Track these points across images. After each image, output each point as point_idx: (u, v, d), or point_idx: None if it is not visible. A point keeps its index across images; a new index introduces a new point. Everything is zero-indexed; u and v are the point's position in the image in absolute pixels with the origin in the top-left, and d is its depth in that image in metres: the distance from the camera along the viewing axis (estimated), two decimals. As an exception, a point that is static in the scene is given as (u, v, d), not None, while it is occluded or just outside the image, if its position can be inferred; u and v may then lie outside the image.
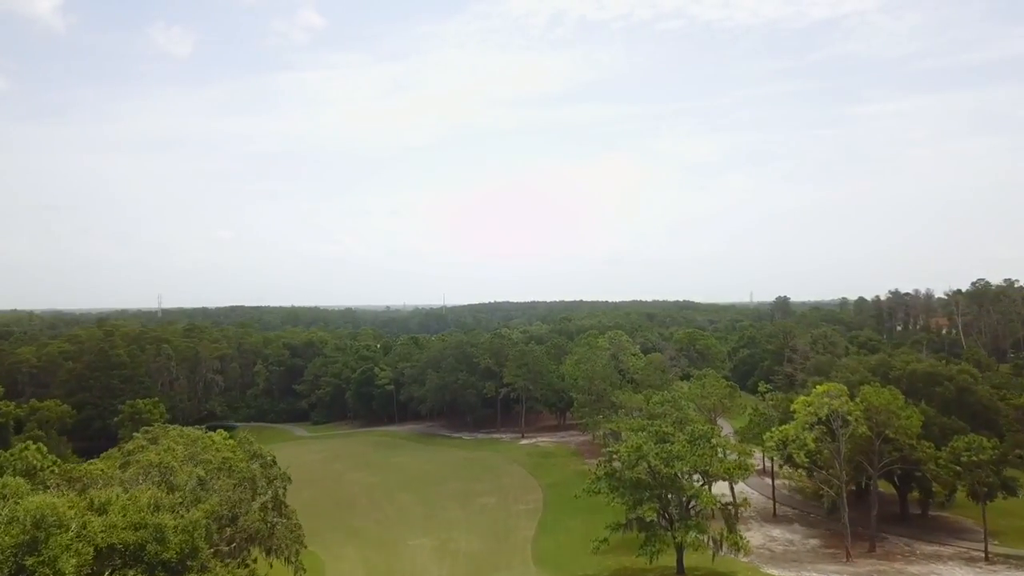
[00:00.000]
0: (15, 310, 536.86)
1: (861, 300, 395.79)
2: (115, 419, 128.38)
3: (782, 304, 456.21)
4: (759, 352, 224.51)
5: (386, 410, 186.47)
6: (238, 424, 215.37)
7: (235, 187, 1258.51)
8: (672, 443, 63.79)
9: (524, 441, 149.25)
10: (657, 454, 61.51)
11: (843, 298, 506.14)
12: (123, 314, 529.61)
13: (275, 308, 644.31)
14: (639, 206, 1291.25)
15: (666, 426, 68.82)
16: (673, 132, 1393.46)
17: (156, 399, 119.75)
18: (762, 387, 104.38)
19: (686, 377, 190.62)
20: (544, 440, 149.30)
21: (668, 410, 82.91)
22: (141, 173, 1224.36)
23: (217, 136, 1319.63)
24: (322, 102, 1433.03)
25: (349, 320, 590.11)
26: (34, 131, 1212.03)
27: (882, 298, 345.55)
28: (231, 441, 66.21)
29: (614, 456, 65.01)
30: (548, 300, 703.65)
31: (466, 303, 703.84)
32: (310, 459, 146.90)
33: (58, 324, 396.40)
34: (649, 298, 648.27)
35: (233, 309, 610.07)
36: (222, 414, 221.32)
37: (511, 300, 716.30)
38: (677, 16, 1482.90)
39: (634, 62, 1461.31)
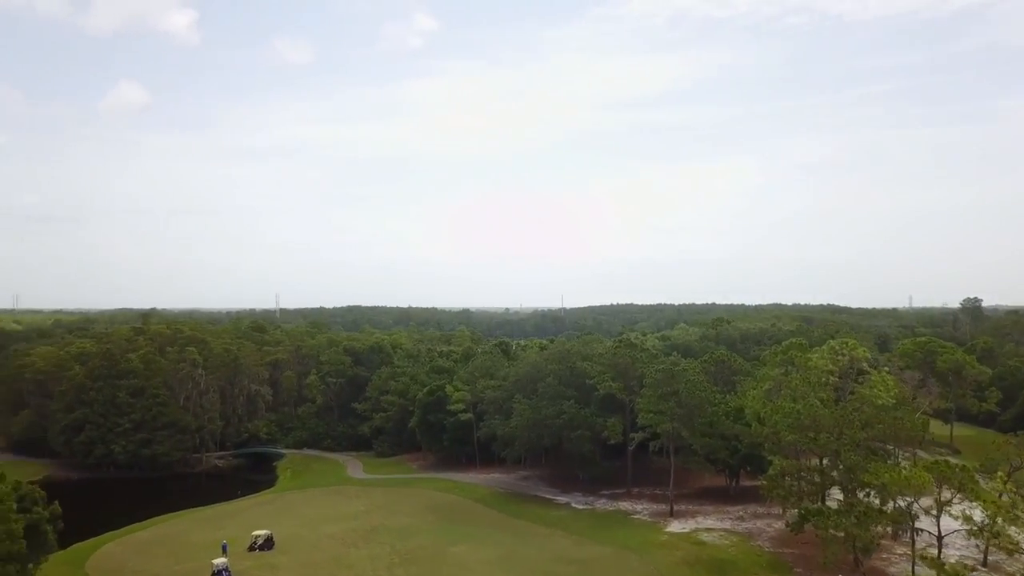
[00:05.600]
0: (154, 308, 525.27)
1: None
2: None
3: (972, 308, 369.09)
4: (1007, 372, 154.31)
5: (463, 448, 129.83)
6: (286, 451, 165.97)
7: (356, 191, 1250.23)
8: None
9: (675, 524, 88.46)
10: None
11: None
12: (251, 313, 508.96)
13: (390, 308, 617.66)
14: (762, 206, 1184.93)
15: None
16: (799, 130, 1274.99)
17: None
18: None
19: (937, 415, 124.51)
20: (709, 525, 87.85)
21: None
22: (270, 179, 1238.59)
23: (339, 142, 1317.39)
24: (439, 107, 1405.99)
25: (464, 321, 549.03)
26: (174, 140, 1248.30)
27: None
28: None
29: None
30: (676, 303, 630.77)
31: (586, 305, 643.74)
32: (328, 533, 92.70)
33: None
34: (788, 301, 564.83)
35: (350, 309, 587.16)
36: (268, 437, 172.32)
37: (635, 302, 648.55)
38: (805, 11, 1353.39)
39: (759, 60, 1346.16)
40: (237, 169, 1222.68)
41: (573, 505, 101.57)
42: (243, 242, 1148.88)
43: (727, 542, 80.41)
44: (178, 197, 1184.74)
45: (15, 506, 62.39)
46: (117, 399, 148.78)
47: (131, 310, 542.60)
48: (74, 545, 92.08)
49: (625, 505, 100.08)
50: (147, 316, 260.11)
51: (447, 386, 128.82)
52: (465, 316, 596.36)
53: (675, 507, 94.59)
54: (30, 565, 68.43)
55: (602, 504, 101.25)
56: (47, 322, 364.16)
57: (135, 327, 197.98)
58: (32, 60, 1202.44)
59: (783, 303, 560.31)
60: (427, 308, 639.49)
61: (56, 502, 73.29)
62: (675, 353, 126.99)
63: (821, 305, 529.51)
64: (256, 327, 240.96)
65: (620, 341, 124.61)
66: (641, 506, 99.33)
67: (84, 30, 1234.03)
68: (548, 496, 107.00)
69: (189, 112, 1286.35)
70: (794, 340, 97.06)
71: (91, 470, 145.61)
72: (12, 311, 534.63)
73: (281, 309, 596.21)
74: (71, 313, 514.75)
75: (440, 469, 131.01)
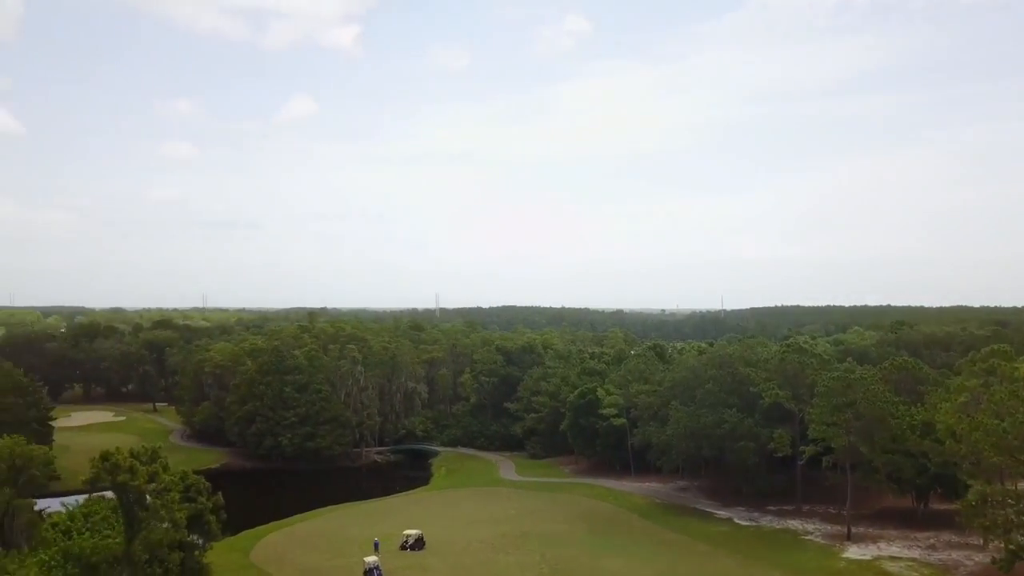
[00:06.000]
0: (325, 308, 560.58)
1: None
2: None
3: None
4: None
5: (617, 453, 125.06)
6: (440, 449, 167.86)
7: (513, 193, 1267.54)
8: None
9: (853, 549, 79.68)
10: None
11: None
12: (412, 313, 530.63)
13: (544, 308, 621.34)
14: (934, 201, 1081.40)
15: None
16: (983, 117, 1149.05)
17: (18, 436, 69.80)
18: None
19: None
20: (894, 553, 78.35)
21: None
22: (430, 182, 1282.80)
23: (495, 145, 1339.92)
24: (592, 107, 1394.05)
25: (617, 323, 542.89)
26: (340, 148, 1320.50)
27: None
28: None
29: None
30: (846, 304, 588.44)
31: (747, 307, 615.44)
32: (479, 536, 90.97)
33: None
34: (975, 303, 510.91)
35: (505, 308, 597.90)
36: (423, 434, 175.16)
37: (801, 304, 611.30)
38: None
39: (935, 44, 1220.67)
40: (399, 174, 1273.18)
41: (736, 521, 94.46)
42: (406, 244, 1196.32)
43: (917, 574, 71.08)
44: (346, 202, 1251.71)
45: (178, 496, 64.47)
46: (284, 394, 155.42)
47: (305, 309, 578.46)
48: (244, 532, 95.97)
49: (794, 524, 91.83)
50: (313, 315, 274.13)
51: (598, 389, 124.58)
52: (619, 317, 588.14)
53: (853, 529, 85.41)
54: (196, 552, 71.18)
55: (768, 521, 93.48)
56: (230, 320, 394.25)
57: (302, 325, 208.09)
58: (218, 79, 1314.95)
59: (969, 304, 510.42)
60: (580, 309, 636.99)
61: (220, 493, 75.82)
62: (850, 359, 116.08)
63: (1016, 307, 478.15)
64: (414, 326, 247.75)
65: (788, 345, 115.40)
66: (812, 526, 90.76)
67: (262, 49, 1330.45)
68: (708, 510, 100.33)
69: (354, 121, 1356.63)
70: (996, 347, 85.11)
71: (262, 460, 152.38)
72: (202, 309, 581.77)
73: (441, 309, 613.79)
74: (252, 312, 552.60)
75: (593, 474, 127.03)
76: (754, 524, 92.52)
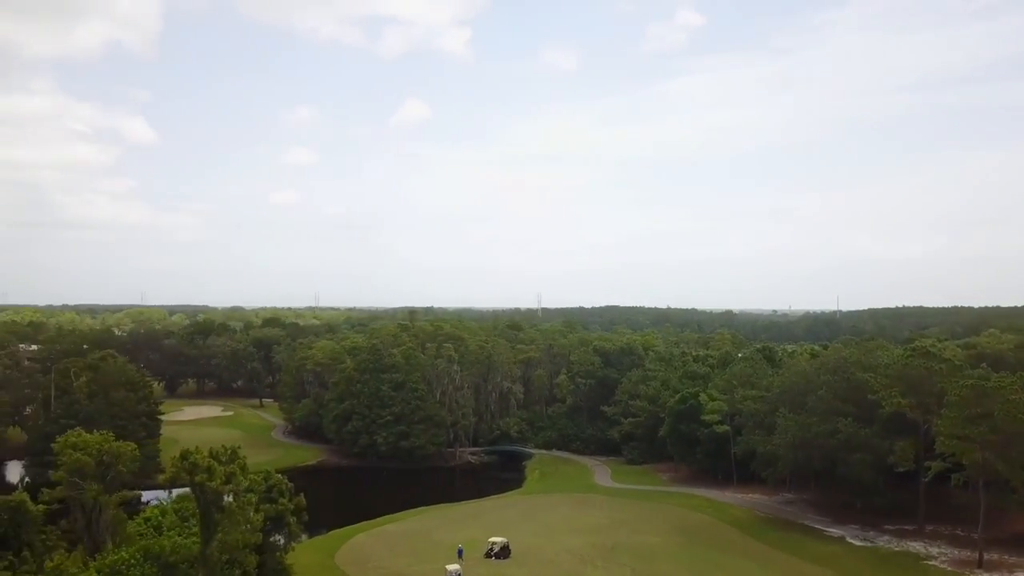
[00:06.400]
0: (431, 307, 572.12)
1: None
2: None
3: None
4: None
5: (718, 462, 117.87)
6: (535, 451, 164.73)
7: (620, 192, 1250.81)
8: None
9: (984, 581, 71.05)
10: None
11: None
12: (515, 312, 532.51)
13: (648, 309, 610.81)
14: None
15: None
16: None
17: (107, 432, 69.10)
18: None
19: None
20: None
21: None
22: (538, 183, 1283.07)
23: (604, 144, 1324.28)
24: (706, 104, 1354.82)
25: (726, 323, 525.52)
26: (451, 151, 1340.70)
27: None
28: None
29: None
30: (975, 306, 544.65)
31: (865, 307, 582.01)
32: (567, 546, 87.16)
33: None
34: None
35: (607, 309, 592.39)
36: (518, 436, 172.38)
37: (924, 305, 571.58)
38: None
39: None
40: (507, 175, 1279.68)
41: (848, 540, 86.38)
42: (513, 244, 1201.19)
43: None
44: (456, 203, 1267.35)
45: (255, 498, 63.36)
46: (380, 392, 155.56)
47: (411, 308, 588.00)
48: (333, 532, 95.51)
49: (915, 546, 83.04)
50: (414, 313, 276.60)
51: (701, 394, 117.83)
52: (728, 318, 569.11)
53: (985, 555, 76.19)
54: (277, 554, 70.32)
55: (885, 542, 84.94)
56: (339, 319, 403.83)
57: (402, 324, 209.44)
58: (336, 86, 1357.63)
59: None
60: (686, 309, 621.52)
61: (301, 494, 74.74)
62: (984, 365, 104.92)
63: None
64: (512, 325, 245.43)
65: (912, 349, 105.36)
66: (937, 549, 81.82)
67: (378, 56, 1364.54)
68: (817, 526, 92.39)
69: (465, 124, 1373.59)
70: None
71: (358, 458, 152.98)
72: (313, 308, 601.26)
73: (542, 308, 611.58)
74: (362, 311, 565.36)
75: (692, 484, 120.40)
76: (869, 544, 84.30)
